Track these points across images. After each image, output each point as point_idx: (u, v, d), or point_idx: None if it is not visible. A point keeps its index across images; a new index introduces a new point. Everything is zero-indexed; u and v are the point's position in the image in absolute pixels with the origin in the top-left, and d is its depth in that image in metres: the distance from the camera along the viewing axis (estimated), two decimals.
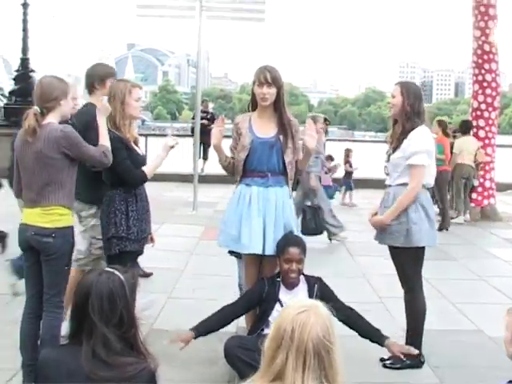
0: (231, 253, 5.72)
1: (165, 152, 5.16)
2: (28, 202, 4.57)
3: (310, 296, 4.91)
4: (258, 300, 5.01)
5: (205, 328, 4.81)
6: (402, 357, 4.93)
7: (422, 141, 5.25)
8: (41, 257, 4.54)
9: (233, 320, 5.09)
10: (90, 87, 5.67)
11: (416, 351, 4.93)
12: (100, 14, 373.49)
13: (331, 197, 13.20)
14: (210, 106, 20.68)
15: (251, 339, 4.68)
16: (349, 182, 15.56)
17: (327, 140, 15.85)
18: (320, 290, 5.02)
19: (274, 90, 5.00)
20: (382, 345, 4.86)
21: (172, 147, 5.19)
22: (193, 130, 14.64)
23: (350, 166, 15.81)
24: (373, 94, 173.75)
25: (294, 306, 2.41)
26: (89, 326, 2.63)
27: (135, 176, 4.99)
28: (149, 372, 2.65)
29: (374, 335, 4.93)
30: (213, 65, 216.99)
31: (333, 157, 14.73)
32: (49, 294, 4.57)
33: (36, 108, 4.47)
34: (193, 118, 16.61)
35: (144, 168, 5.05)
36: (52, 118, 4.51)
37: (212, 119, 18.56)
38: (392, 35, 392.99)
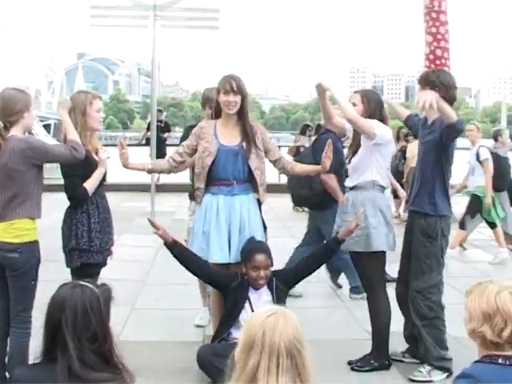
0: None
1: (102, 166, 5.00)
2: None
3: (271, 290, 5.07)
4: (227, 282, 5.09)
5: (180, 252, 5.09)
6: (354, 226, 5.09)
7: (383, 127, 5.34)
8: (6, 272, 4.48)
9: (201, 273, 5.26)
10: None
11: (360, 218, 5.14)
12: (49, 24, 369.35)
13: None
14: (163, 114, 20.59)
15: (223, 346, 4.71)
16: None
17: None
18: (277, 279, 5.13)
19: (239, 98, 5.07)
20: (339, 243, 5.14)
21: (108, 157, 5.08)
22: (146, 139, 14.56)
23: None
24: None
25: (261, 312, 2.46)
26: (62, 342, 2.59)
27: (78, 192, 4.89)
28: None
29: (331, 245, 5.26)
30: (164, 73, 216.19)
31: None
32: (16, 310, 4.51)
33: None
34: (147, 129, 16.56)
35: (85, 184, 4.89)
36: (16, 131, 4.46)
37: (166, 128, 18.52)
38: (342, 41, 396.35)
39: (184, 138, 5.81)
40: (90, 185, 4.91)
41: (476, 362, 2.72)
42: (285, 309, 2.49)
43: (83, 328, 2.61)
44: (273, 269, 5.18)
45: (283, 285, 5.13)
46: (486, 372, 2.63)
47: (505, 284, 2.71)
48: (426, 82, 5.27)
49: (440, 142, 5.11)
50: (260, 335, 2.35)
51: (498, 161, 10.04)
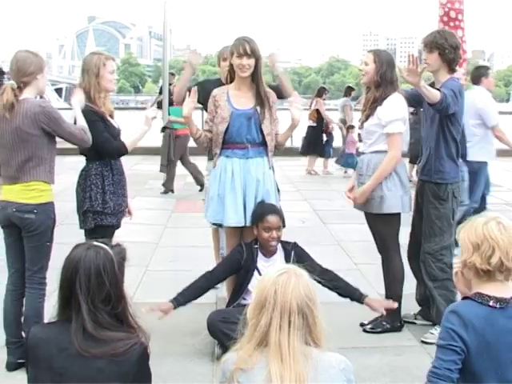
0: (215, 224, 5.73)
1: (147, 125, 5.09)
2: (7, 179, 4.53)
3: (287, 262, 4.95)
4: (236, 266, 5.06)
5: (184, 298, 4.84)
6: (384, 312, 5.01)
7: (398, 108, 5.27)
8: (22, 233, 4.52)
9: (212, 287, 5.13)
10: None
11: (395, 304, 5.06)
12: None
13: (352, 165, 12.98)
14: (175, 78, 20.47)
15: (233, 311, 4.71)
16: (329, 150, 15.57)
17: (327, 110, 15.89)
18: (297, 255, 5.08)
19: (252, 61, 5.02)
20: (361, 302, 4.96)
21: (154, 118, 5.15)
22: (158, 103, 14.52)
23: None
24: (336, 62, 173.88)
25: (273, 270, 2.48)
26: (77, 303, 2.60)
27: (115, 147, 4.93)
28: (140, 346, 2.62)
29: (353, 294, 5.02)
30: (175, 36, 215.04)
31: (353, 125, 14.70)
32: (31, 271, 4.56)
33: (13, 83, 4.43)
34: (160, 93, 16.48)
35: (124, 140, 4.99)
36: (29, 93, 4.47)
37: None
38: (355, 4, 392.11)
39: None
40: (131, 143, 5.01)
41: (468, 298, 2.76)
42: (297, 267, 2.51)
43: (97, 290, 2.61)
44: (293, 240, 5.20)
45: (298, 262, 5.07)
46: (474, 312, 2.68)
47: (492, 215, 2.79)
48: (435, 45, 5.19)
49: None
50: (272, 293, 2.37)
51: None
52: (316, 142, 15.24)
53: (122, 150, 4.97)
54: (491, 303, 2.68)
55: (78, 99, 4.80)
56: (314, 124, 15.20)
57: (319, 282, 4.78)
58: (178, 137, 11.92)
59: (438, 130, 5.23)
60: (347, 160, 14.22)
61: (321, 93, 15.47)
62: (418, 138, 5.97)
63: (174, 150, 11.97)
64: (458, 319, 2.67)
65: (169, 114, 13.91)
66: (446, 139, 5.23)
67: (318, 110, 15.11)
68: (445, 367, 2.64)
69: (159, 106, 14.07)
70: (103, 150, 4.90)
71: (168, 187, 12.20)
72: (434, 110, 5.10)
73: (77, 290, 2.59)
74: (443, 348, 2.67)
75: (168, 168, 12.13)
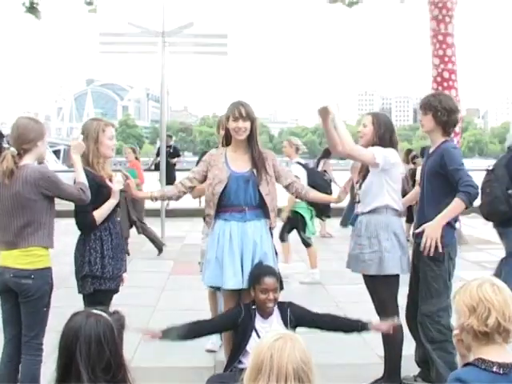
0: (212, 286, 5.75)
1: (114, 198, 5.02)
2: (5, 245, 4.55)
3: (285, 321, 5.02)
4: (232, 323, 5.06)
5: (175, 335, 4.89)
6: (391, 331, 5.09)
7: (386, 150, 5.32)
8: (19, 299, 4.51)
9: (203, 334, 5.23)
10: None
11: (399, 322, 5.20)
12: (58, 51, 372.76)
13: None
14: (172, 139, 20.70)
15: (231, 376, 4.69)
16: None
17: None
18: (292, 313, 5.10)
19: (248, 124, 5.12)
20: (368, 330, 5.10)
21: (120, 189, 5.11)
22: (155, 165, 14.64)
23: None
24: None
25: (269, 336, 2.48)
26: (77, 371, 2.57)
27: (86, 222, 4.92)
28: None
29: (357, 327, 5.14)
30: (172, 98, 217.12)
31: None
32: (28, 337, 4.54)
33: (13, 150, 4.48)
34: (157, 154, 16.62)
35: (94, 213, 4.91)
36: (28, 160, 4.53)
37: (175, 153, 18.59)
38: (350, 64, 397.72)
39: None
40: (99, 214, 4.92)
41: (470, 364, 2.74)
42: (292, 333, 2.53)
43: (97, 359, 2.59)
44: (288, 300, 5.21)
45: (295, 320, 5.10)
46: (478, 379, 2.66)
47: (486, 277, 2.81)
48: (429, 107, 5.29)
49: (439, 172, 5.15)
50: (268, 358, 2.37)
51: None
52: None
53: (92, 225, 4.92)
54: (495, 369, 2.67)
55: (77, 149, 4.78)
56: None
57: (322, 329, 5.11)
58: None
59: (436, 192, 5.26)
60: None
61: (328, 153, 15.38)
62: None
63: (133, 211, 11.93)
64: None
65: (166, 176, 14.02)
66: (442, 199, 5.26)
67: (325, 171, 14.93)
68: None
69: (156, 167, 14.16)
70: (75, 219, 4.94)
71: (157, 246, 12.20)
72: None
73: (77, 359, 2.57)
74: None
75: (142, 230, 12.19)
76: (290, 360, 2.36)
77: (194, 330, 5.02)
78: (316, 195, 5.62)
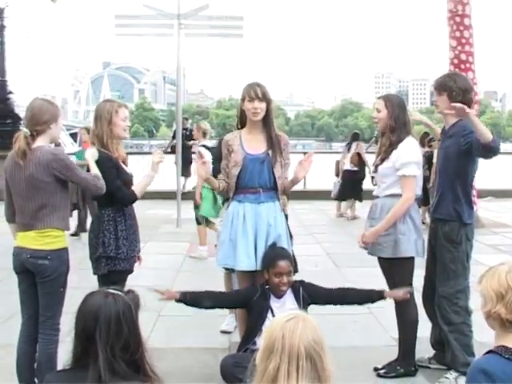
0: (226, 268, 5.76)
1: (153, 170, 5.15)
2: (22, 226, 4.57)
3: (297, 300, 5.01)
4: (248, 300, 5.05)
5: (192, 299, 5.01)
6: (408, 297, 5.08)
7: (412, 152, 5.28)
8: (36, 279, 4.53)
9: (217, 306, 5.26)
10: None
11: (409, 289, 5.12)
12: (74, 34, 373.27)
13: None
14: (188, 122, 20.68)
15: (246, 356, 4.69)
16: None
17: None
18: (305, 291, 5.08)
19: (264, 105, 5.09)
20: (383, 299, 5.09)
21: (160, 162, 5.18)
22: (172, 147, 14.63)
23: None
24: (349, 105, 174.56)
25: (281, 316, 2.48)
26: (95, 350, 2.58)
27: (126, 195, 4.98)
28: None
29: (371, 297, 5.13)
30: (189, 81, 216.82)
31: None
32: (45, 317, 4.56)
33: (26, 131, 4.48)
34: (173, 137, 16.62)
35: (134, 187, 5.03)
36: (42, 142, 4.52)
37: (191, 135, 18.60)
38: (367, 46, 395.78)
39: (217, 152, 5.76)
40: (140, 189, 5.04)
41: (492, 352, 2.64)
42: (304, 313, 2.53)
43: (116, 338, 2.60)
44: (300, 278, 5.20)
45: (308, 297, 5.10)
46: (502, 370, 2.56)
47: None
48: (444, 87, 5.25)
49: (464, 150, 5.08)
50: (280, 338, 2.37)
51: None
52: (356, 187, 14.99)
53: (133, 198, 5.01)
54: None
55: (91, 153, 4.86)
56: (355, 168, 14.89)
57: (336, 303, 5.11)
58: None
59: (455, 168, 5.21)
60: None
61: (358, 136, 15.42)
62: None
63: (78, 194, 11.81)
64: (486, 378, 2.55)
65: (182, 158, 14.04)
66: (463, 178, 5.23)
67: (359, 154, 14.94)
68: None
69: (173, 150, 14.14)
70: (115, 197, 4.95)
71: (79, 229, 12.03)
72: (479, 151, 4.94)
73: (96, 339, 2.58)
74: None
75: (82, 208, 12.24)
76: (301, 340, 2.36)
77: (210, 299, 5.08)
78: (287, 184, 5.37)
